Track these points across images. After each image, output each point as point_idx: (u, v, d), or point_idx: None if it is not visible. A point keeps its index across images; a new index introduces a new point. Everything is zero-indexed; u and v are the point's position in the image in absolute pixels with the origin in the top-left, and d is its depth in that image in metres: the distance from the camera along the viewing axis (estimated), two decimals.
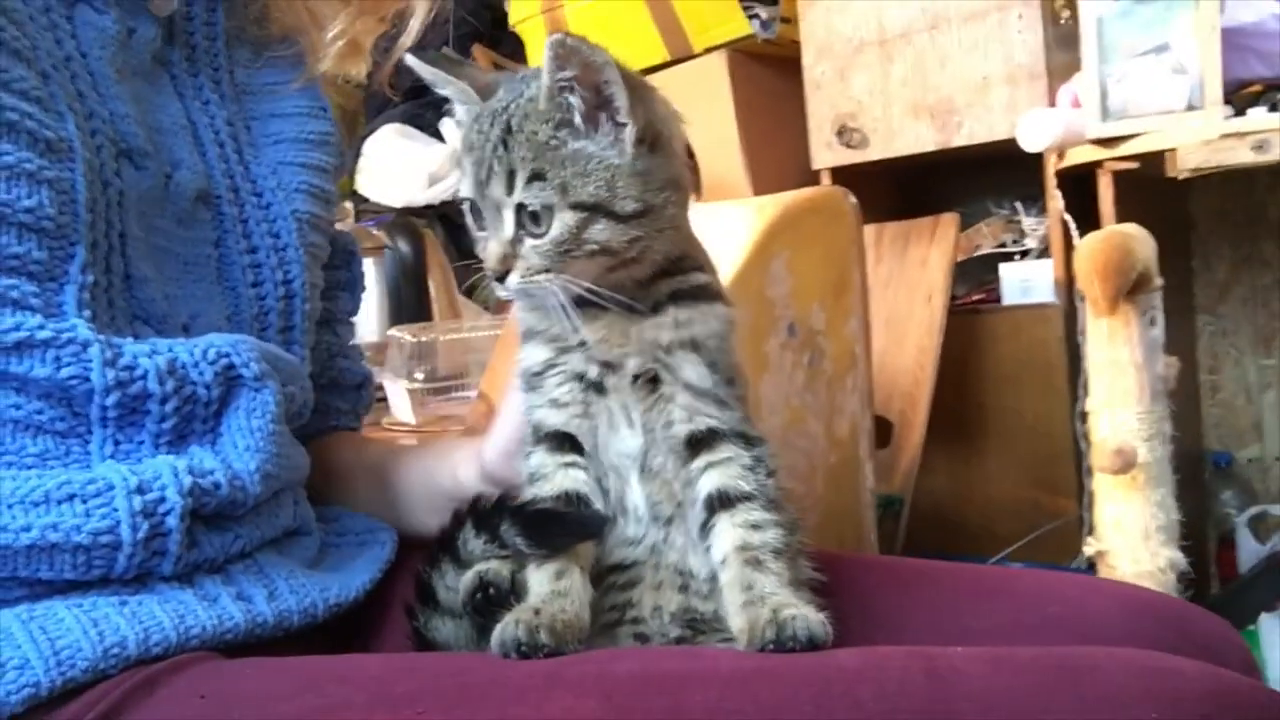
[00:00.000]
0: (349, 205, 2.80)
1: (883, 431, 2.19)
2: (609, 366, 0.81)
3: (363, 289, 1.20)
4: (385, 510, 1.08)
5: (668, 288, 0.82)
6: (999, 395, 2.29)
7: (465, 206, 0.82)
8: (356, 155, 3.01)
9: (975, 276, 2.46)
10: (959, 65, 2.24)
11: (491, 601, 0.79)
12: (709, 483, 0.80)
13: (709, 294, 0.83)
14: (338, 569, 0.96)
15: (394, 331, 1.96)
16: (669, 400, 0.81)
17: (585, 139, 0.76)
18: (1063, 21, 2.10)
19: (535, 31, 2.80)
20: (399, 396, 1.94)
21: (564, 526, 0.79)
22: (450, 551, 0.85)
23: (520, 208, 0.77)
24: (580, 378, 0.81)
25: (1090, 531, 1.71)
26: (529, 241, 0.77)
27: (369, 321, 2.19)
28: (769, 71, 2.54)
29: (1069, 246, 1.98)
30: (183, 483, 0.80)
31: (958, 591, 0.91)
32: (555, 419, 0.82)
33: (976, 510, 2.32)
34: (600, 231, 0.76)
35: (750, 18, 2.47)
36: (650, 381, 0.81)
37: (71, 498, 0.77)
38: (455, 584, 0.83)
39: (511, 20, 2.88)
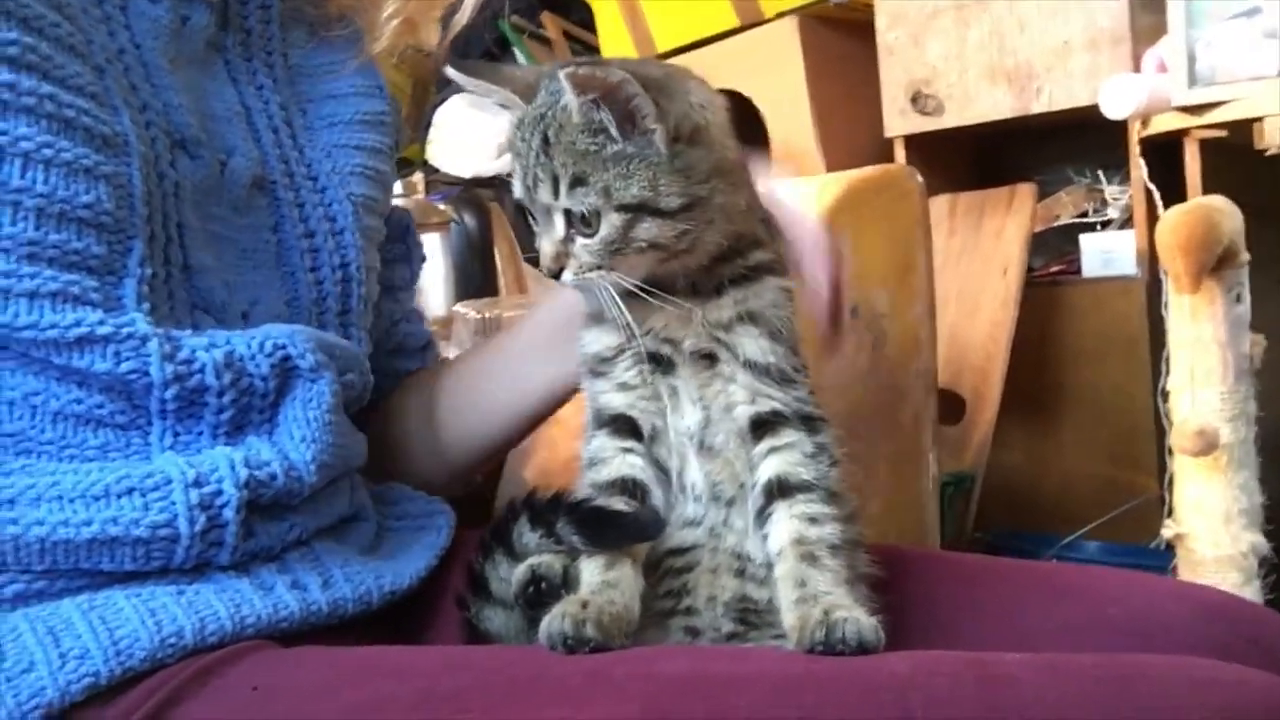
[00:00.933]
0: (419, 176, 2.82)
1: (954, 407, 2.15)
2: (672, 343, 0.82)
3: (421, 259, 1.20)
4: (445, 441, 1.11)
5: (730, 271, 0.82)
6: (1077, 370, 2.23)
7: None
8: (428, 125, 3.02)
9: (1055, 247, 2.39)
10: (1039, 29, 2.16)
11: (544, 595, 0.80)
12: (769, 469, 0.80)
13: (765, 268, 0.83)
14: (394, 555, 0.97)
15: (459, 307, 1.96)
16: (729, 380, 0.81)
17: (623, 142, 0.76)
18: None
19: None
20: None
21: (620, 529, 0.79)
22: (504, 543, 0.85)
23: (568, 211, 0.78)
24: (652, 357, 0.82)
25: (1170, 513, 1.67)
26: (580, 241, 0.78)
27: (435, 297, 2.20)
28: (841, 37, 2.48)
29: (1153, 217, 1.92)
30: (239, 475, 0.82)
31: (1018, 590, 0.89)
32: (619, 402, 0.83)
33: (1053, 487, 2.26)
34: (647, 229, 0.77)
35: None
36: (707, 358, 0.81)
37: (130, 491, 0.79)
38: (508, 575, 0.84)
39: None
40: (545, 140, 0.77)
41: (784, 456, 0.80)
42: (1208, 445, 1.57)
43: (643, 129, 0.76)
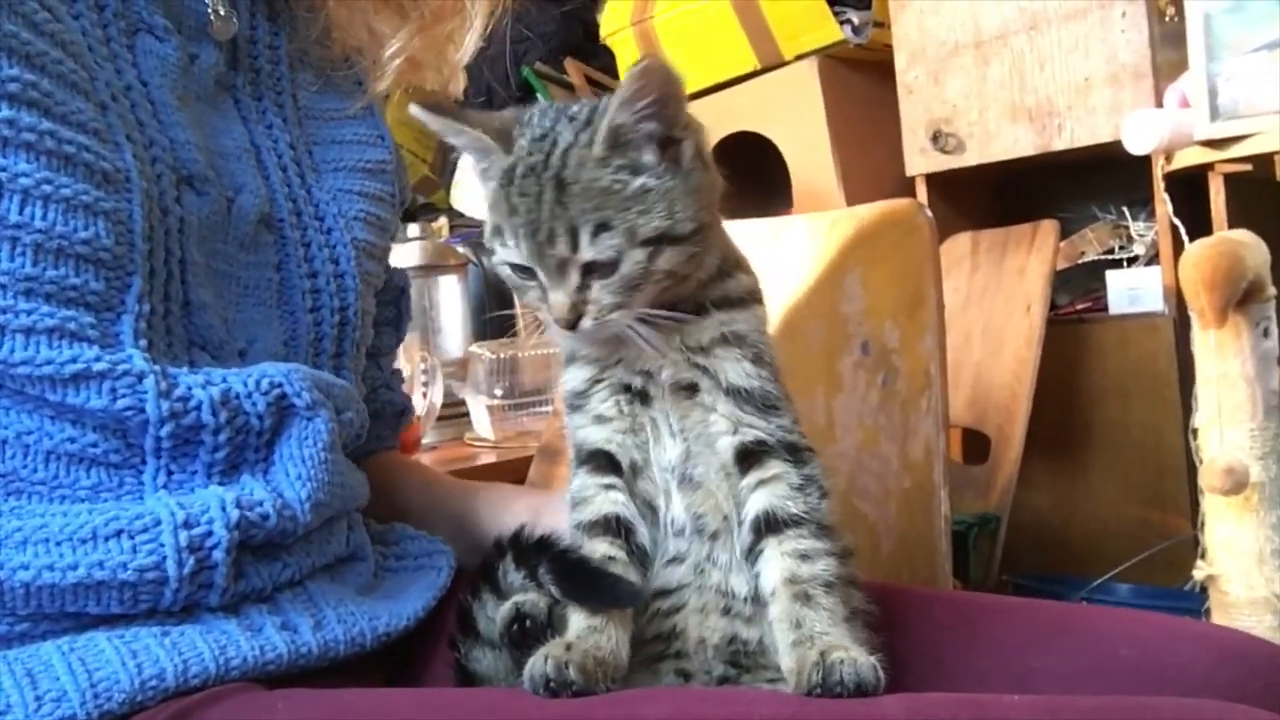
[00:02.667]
0: (444, 221, 2.83)
1: (979, 447, 2.12)
2: (648, 375, 0.80)
3: (407, 324, 1.21)
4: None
5: (716, 292, 0.81)
6: (1105, 409, 2.19)
7: (506, 269, 0.80)
8: (453, 170, 3.04)
9: (1080, 285, 2.36)
10: (1059, 66, 2.16)
11: (528, 634, 0.78)
12: (757, 503, 0.78)
13: (752, 297, 0.83)
14: (391, 595, 0.95)
15: (475, 348, 1.97)
16: (709, 409, 0.79)
17: (646, 173, 0.75)
18: (1168, 18, 2.00)
19: (625, 44, 2.79)
20: (479, 412, 1.95)
21: (598, 593, 0.77)
22: (491, 582, 0.84)
23: (586, 261, 0.75)
24: (625, 389, 0.81)
25: (1203, 554, 1.62)
26: (598, 284, 0.76)
27: (453, 337, 2.20)
28: (861, 77, 2.48)
29: (1179, 253, 1.89)
30: (230, 516, 0.80)
31: (1025, 631, 0.86)
32: (598, 436, 0.81)
33: (1081, 529, 2.22)
34: (667, 259, 0.76)
35: (842, 23, 2.42)
36: (686, 389, 0.80)
37: (119, 534, 0.77)
38: (495, 614, 0.82)
39: (603, 34, 2.88)
40: (559, 188, 0.74)
41: (771, 489, 0.78)
42: (1237, 484, 1.53)
43: (673, 145, 0.76)
